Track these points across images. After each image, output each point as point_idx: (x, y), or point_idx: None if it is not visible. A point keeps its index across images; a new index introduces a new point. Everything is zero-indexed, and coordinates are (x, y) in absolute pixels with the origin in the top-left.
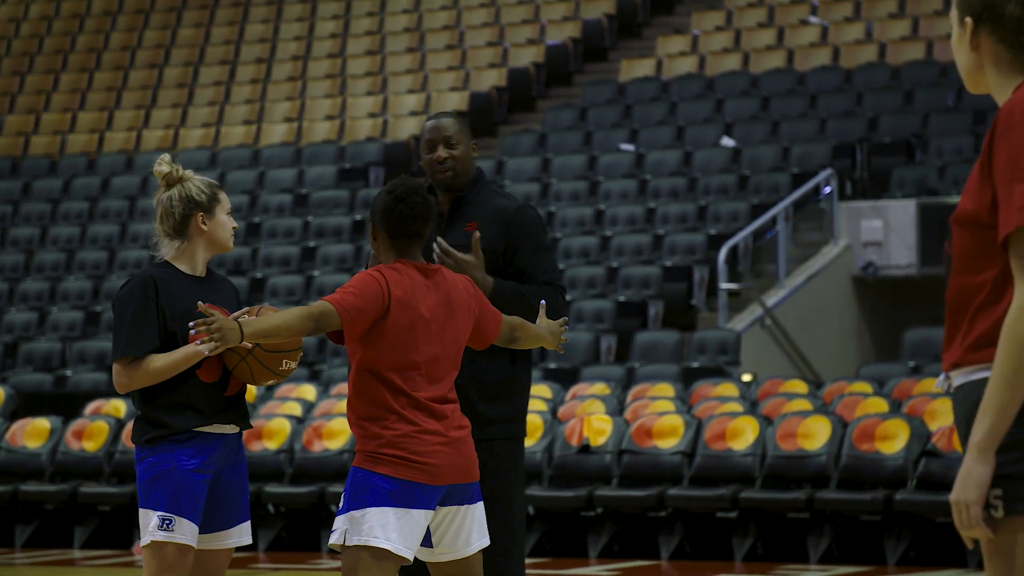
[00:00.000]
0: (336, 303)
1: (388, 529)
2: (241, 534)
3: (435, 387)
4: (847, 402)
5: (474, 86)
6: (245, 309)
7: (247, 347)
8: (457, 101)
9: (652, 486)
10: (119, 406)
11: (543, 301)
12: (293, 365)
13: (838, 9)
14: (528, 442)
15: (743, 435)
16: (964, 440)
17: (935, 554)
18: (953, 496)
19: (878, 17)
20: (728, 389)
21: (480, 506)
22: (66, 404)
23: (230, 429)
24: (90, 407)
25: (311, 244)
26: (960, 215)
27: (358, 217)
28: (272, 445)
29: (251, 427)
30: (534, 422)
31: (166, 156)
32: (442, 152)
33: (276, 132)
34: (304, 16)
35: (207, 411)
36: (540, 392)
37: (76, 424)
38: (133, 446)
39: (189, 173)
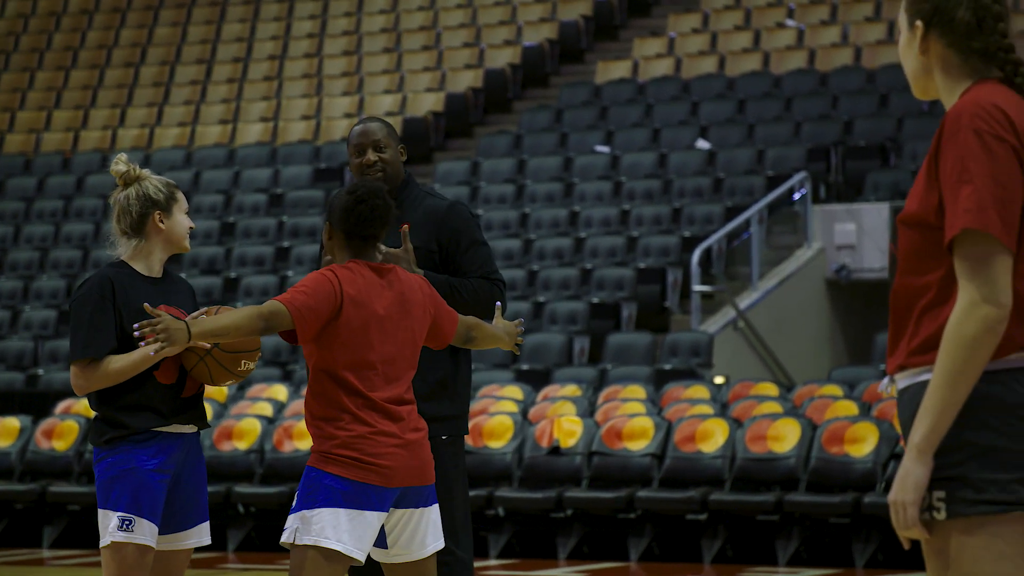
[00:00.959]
0: (287, 302)
1: (340, 530)
2: (200, 534)
3: (392, 387)
4: (817, 405)
5: (450, 87)
6: (203, 309)
7: (205, 348)
8: (433, 102)
9: (622, 488)
10: (89, 406)
11: (498, 303)
12: (252, 365)
13: (814, 12)
14: (498, 443)
15: (713, 437)
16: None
17: (903, 557)
18: (891, 496)
19: (854, 21)
20: (699, 391)
21: (435, 508)
22: (37, 403)
23: (188, 429)
24: (60, 406)
25: (285, 244)
26: (906, 216)
27: None
28: (242, 445)
29: (209, 427)
30: (504, 423)
31: (123, 155)
32: (371, 156)
33: (252, 132)
34: (281, 16)
35: (165, 412)
36: (511, 393)
37: (46, 423)
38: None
39: (146, 172)
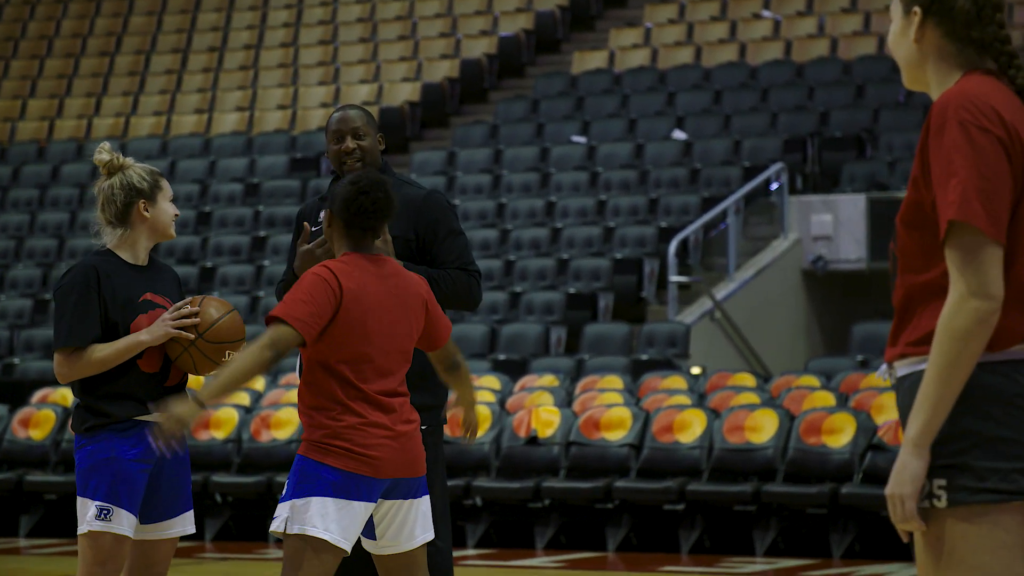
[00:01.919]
0: (289, 318)
1: (328, 520)
2: (184, 523)
3: (385, 380)
4: (794, 395)
5: (426, 77)
6: (187, 300)
7: (189, 338)
8: (409, 92)
9: (599, 478)
10: (66, 394)
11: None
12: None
13: (790, 3)
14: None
15: (691, 428)
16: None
17: (880, 547)
18: (888, 490)
19: (830, 12)
20: (676, 382)
21: (426, 500)
22: (13, 392)
23: None
24: (37, 395)
25: (261, 233)
26: (903, 215)
27: None
28: (220, 435)
29: None
30: (482, 413)
31: (106, 144)
32: (350, 143)
33: (228, 121)
34: (257, 5)
35: (148, 401)
36: (488, 383)
37: (23, 412)
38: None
39: (130, 161)
